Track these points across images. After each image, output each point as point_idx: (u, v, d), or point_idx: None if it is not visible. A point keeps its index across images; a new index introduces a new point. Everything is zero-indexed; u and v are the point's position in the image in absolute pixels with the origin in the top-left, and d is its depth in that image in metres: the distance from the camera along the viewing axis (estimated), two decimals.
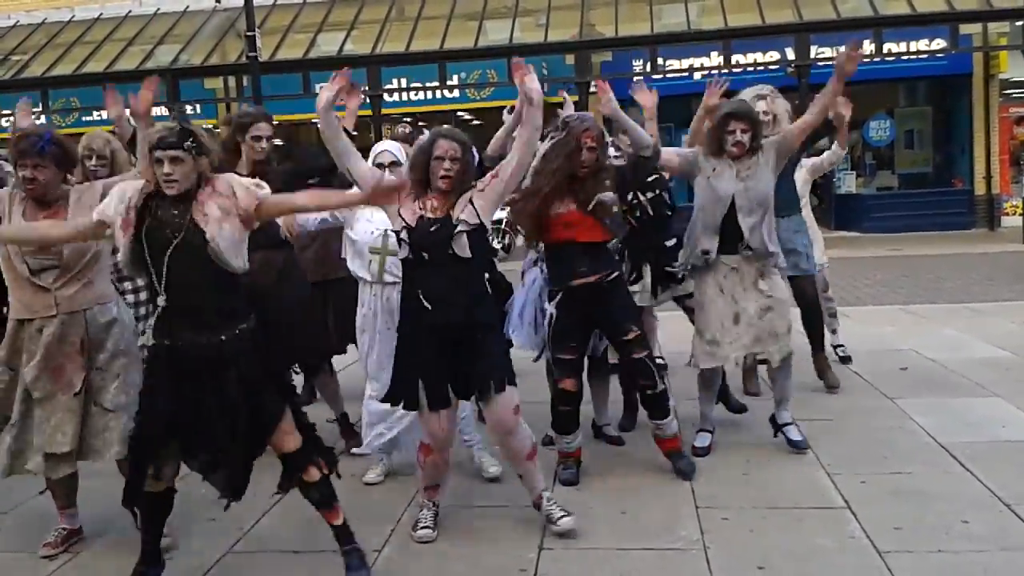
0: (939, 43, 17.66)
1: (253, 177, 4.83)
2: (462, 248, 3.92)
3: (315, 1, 20.19)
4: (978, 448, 5.02)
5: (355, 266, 4.78)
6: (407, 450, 4.77)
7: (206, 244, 3.40)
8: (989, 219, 19.06)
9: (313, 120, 23.89)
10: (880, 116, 19.79)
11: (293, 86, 18.16)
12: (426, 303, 3.92)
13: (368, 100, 18.14)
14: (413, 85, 19.56)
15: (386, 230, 4.44)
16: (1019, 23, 17.48)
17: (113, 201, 3.51)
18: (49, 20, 21.08)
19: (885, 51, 17.47)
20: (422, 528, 4.17)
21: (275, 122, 5.39)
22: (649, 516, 4.13)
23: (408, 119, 21.52)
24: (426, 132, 4.00)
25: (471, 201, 3.97)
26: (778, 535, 4.04)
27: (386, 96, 18.66)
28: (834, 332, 7.12)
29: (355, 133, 4.97)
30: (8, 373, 4.01)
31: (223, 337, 3.46)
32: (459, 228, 3.91)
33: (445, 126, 4.25)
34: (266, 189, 3.59)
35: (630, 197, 5.37)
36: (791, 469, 4.82)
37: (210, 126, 22.08)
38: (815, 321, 6.24)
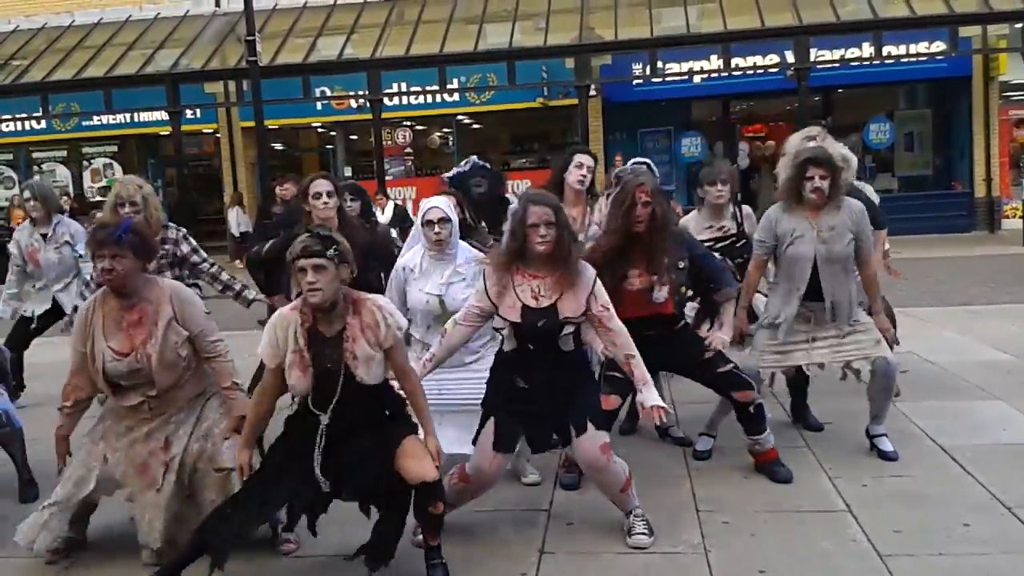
0: (939, 46, 17.68)
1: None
2: (567, 344, 3.97)
3: (315, 5, 20.25)
4: (979, 451, 5.02)
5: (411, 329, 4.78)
6: None
7: (358, 382, 3.59)
8: (989, 222, 19.07)
9: (313, 124, 24.08)
10: (879, 119, 19.78)
11: (293, 90, 18.18)
12: (522, 383, 3.99)
13: (368, 104, 18.18)
14: (413, 89, 19.58)
15: (440, 297, 4.50)
16: (1018, 25, 17.48)
17: (273, 339, 3.62)
18: (49, 25, 21.10)
19: (885, 54, 17.48)
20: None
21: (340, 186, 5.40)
22: (650, 519, 4.12)
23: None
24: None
25: (586, 299, 3.94)
26: (779, 539, 4.03)
27: (386, 100, 18.68)
28: None
29: None
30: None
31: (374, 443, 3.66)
32: (567, 330, 3.94)
33: (532, 190, 4.24)
34: (404, 328, 3.76)
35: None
36: (792, 473, 4.81)
37: (210, 131, 22.24)
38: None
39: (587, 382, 4.17)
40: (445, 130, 21.78)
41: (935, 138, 20.50)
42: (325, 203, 5.10)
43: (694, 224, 5.58)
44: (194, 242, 5.68)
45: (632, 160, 5.83)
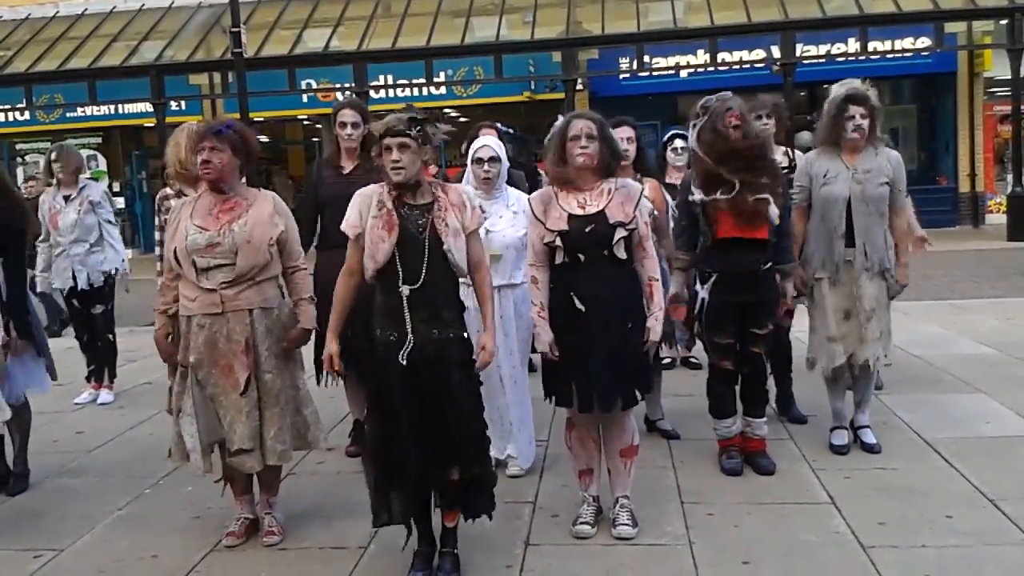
0: (924, 41, 17.74)
1: (357, 168, 5.01)
2: (619, 251, 3.89)
3: None
4: (962, 444, 5.05)
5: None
6: None
7: (444, 252, 3.52)
8: (973, 216, 19.16)
9: (299, 116, 23.92)
10: None
11: (279, 82, 18.11)
12: (580, 305, 3.89)
13: (354, 97, 18.11)
14: (399, 82, 19.50)
15: (488, 232, 4.42)
16: (1003, 22, 17.55)
17: (356, 212, 3.58)
18: (33, 16, 20.95)
19: (870, 49, 17.55)
20: (580, 523, 4.10)
21: (365, 110, 5.33)
22: (635, 512, 4.13)
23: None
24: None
25: (635, 208, 3.90)
26: (763, 530, 4.05)
27: (372, 93, 18.60)
28: None
29: None
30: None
31: (451, 335, 3.55)
32: (618, 234, 3.86)
33: (579, 108, 4.16)
34: (486, 216, 3.76)
35: None
36: (776, 465, 4.82)
37: (195, 123, 22.03)
38: None
39: (641, 314, 3.99)
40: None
41: (920, 133, 20.59)
42: (349, 135, 5.13)
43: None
44: None
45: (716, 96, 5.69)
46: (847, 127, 4.75)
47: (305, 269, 4.18)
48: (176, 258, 3.93)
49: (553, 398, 4.05)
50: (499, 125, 5.67)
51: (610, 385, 3.90)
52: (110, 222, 6.91)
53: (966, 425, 5.42)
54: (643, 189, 4.06)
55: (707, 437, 5.19)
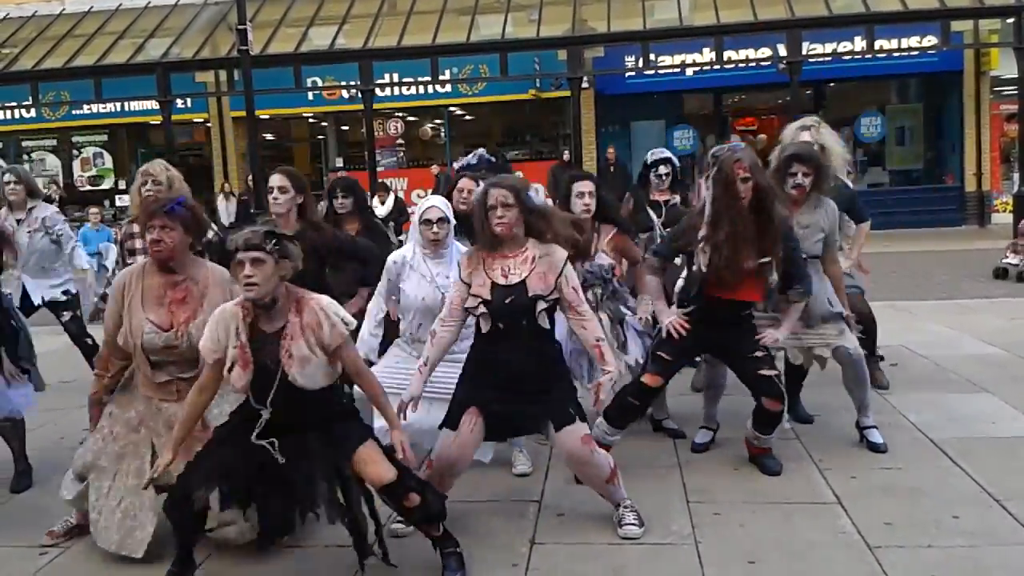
0: (930, 40, 17.69)
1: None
2: (542, 321, 3.96)
3: None
4: (968, 444, 5.04)
5: (375, 310, 4.83)
6: None
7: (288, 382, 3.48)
8: (979, 216, 19.14)
9: (304, 114, 23.93)
10: (871, 113, 19.85)
11: (284, 80, 18.10)
12: (496, 368, 3.95)
13: (359, 95, 18.13)
14: (405, 80, 19.51)
15: (440, 291, 4.49)
16: (1010, 20, 17.50)
17: (214, 335, 3.52)
18: (39, 13, 20.96)
19: (876, 48, 17.51)
20: (397, 522, 4.12)
21: (293, 181, 5.13)
22: (640, 511, 4.13)
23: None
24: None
25: (555, 279, 3.94)
26: (769, 530, 4.05)
27: (377, 91, 18.62)
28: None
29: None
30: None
31: (318, 433, 3.57)
32: (539, 307, 3.91)
33: (500, 176, 4.22)
34: (351, 326, 3.60)
35: None
36: (782, 465, 4.82)
37: (201, 120, 22.14)
38: (871, 330, 6.18)
39: (563, 376, 4.15)
40: (437, 121, 21.75)
41: (926, 132, 20.57)
42: (275, 199, 4.96)
43: None
44: None
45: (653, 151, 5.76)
46: (787, 182, 4.88)
47: None
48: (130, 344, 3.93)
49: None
50: (482, 152, 5.69)
51: (523, 415, 4.01)
52: (66, 235, 6.79)
53: (972, 425, 5.41)
54: (566, 257, 4.03)
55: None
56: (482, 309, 3.93)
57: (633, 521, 4.06)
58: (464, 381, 4.07)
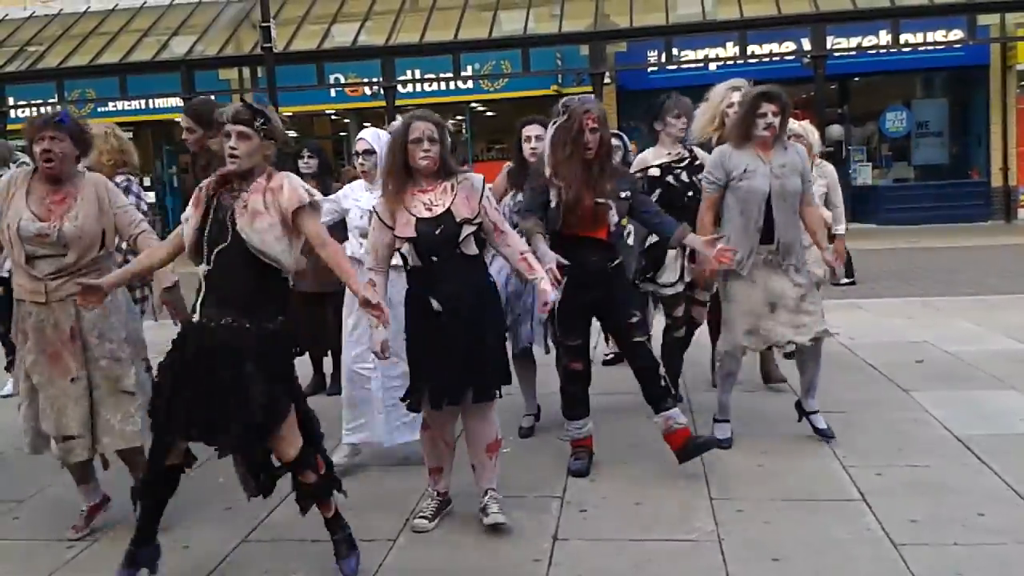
0: (956, 34, 17.53)
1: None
2: (469, 247, 3.98)
3: None
4: (994, 441, 5.00)
5: (353, 247, 4.88)
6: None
7: (237, 234, 3.47)
8: (1006, 211, 18.96)
9: (327, 111, 23.95)
10: (896, 107, 19.68)
11: (307, 77, 18.17)
12: (437, 306, 3.95)
13: (382, 91, 18.17)
14: (427, 76, 19.52)
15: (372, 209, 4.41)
16: None
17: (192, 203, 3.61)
18: (65, 11, 21.13)
19: (902, 42, 17.36)
20: (419, 518, 4.18)
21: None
22: (663, 507, 4.13)
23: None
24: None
25: (479, 202, 3.98)
26: (793, 527, 4.03)
27: (400, 87, 18.65)
28: None
29: None
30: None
31: (247, 325, 3.48)
32: (466, 230, 3.94)
33: (419, 109, 4.19)
34: (317, 199, 3.59)
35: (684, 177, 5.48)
36: (806, 461, 4.81)
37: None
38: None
39: (496, 308, 4.21)
40: (459, 117, 21.76)
41: (952, 127, 20.35)
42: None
43: (653, 154, 5.61)
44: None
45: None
46: (758, 124, 4.84)
47: (146, 231, 4.18)
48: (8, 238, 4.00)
49: (407, 402, 4.15)
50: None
51: (460, 378, 3.99)
52: None
53: (998, 422, 5.36)
54: (484, 179, 4.09)
55: (736, 432, 5.18)
56: (410, 247, 3.95)
57: (497, 509, 4.12)
58: (410, 347, 4.08)
